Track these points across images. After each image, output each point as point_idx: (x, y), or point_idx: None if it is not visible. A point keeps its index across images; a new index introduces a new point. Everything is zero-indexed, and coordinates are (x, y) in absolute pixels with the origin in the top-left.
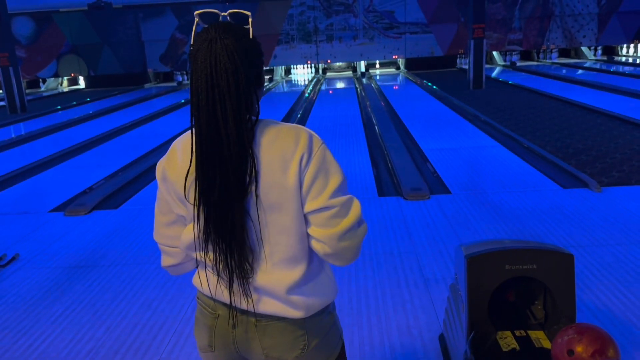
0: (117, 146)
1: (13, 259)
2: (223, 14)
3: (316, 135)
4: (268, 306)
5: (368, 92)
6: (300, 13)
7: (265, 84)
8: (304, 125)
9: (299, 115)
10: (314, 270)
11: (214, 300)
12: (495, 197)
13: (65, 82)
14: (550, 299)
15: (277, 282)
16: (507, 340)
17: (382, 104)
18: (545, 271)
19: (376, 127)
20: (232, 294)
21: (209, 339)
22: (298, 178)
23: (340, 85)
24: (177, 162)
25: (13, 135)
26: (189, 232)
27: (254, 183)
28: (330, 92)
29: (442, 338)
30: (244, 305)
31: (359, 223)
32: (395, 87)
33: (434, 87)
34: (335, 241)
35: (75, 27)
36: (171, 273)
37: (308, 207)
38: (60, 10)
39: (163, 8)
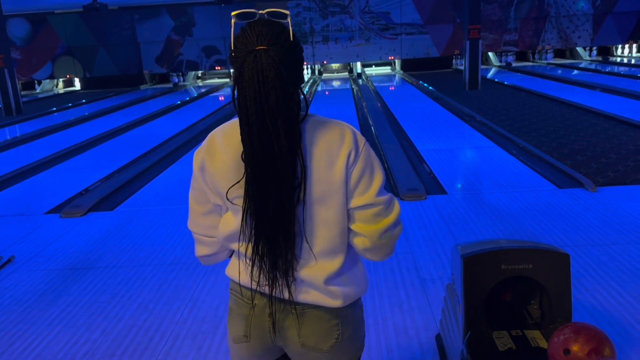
0: (113, 148)
1: (8, 261)
2: (261, 12)
3: (358, 132)
4: (308, 296)
5: (364, 93)
6: (296, 14)
7: None
8: None
9: None
10: (350, 262)
11: (251, 290)
12: (492, 197)
13: (60, 84)
14: (546, 299)
15: (316, 273)
16: (504, 340)
17: (378, 104)
18: (541, 271)
19: (372, 127)
20: (273, 285)
21: (244, 329)
22: (344, 174)
23: (336, 86)
24: (219, 154)
25: (8, 137)
26: (228, 224)
27: (304, 190)
28: (327, 93)
29: (438, 338)
30: (284, 295)
31: (397, 222)
32: (391, 88)
33: (430, 87)
34: (377, 237)
35: (70, 29)
36: (204, 263)
37: (354, 203)
38: (56, 11)
39: (159, 9)
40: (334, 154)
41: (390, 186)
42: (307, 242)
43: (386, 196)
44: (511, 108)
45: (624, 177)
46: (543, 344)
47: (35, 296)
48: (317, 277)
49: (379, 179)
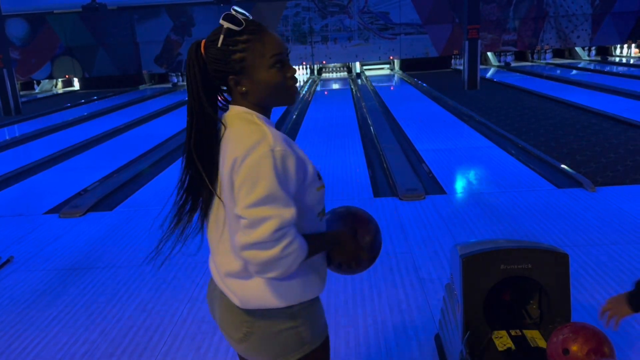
0: (112, 148)
1: (7, 261)
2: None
3: (269, 142)
4: (219, 283)
5: (363, 93)
6: (295, 14)
7: None
8: (299, 125)
9: (294, 117)
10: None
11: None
12: (491, 197)
13: (59, 84)
14: (545, 299)
15: (220, 265)
16: (503, 340)
17: (378, 104)
18: (541, 271)
19: (371, 127)
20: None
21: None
22: (229, 178)
23: (335, 86)
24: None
25: (7, 138)
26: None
27: (209, 177)
28: (326, 93)
29: (437, 338)
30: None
31: (270, 244)
32: (392, 88)
33: (429, 87)
34: (239, 249)
35: (69, 29)
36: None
37: (235, 210)
38: (55, 11)
39: (158, 9)
40: (229, 157)
41: (389, 186)
42: (224, 234)
43: (259, 212)
44: (510, 108)
45: (623, 177)
46: (542, 343)
47: (34, 296)
48: (220, 268)
49: (257, 193)
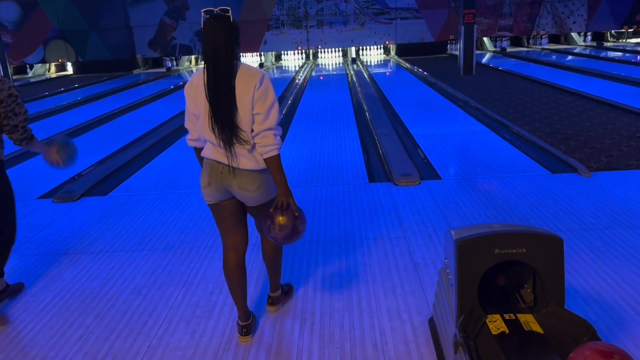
0: (106, 133)
1: None
2: (216, 10)
3: (266, 74)
4: (242, 163)
5: (359, 78)
6: None
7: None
8: (295, 110)
9: (289, 102)
10: (254, 147)
11: (212, 160)
12: (485, 182)
13: (52, 68)
14: (539, 283)
15: (244, 148)
16: (497, 324)
17: (373, 90)
18: (535, 255)
19: (367, 113)
20: (228, 156)
21: (207, 179)
22: (252, 94)
23: (331, 71)
24: (194, 85)
25: None
26: (202, 123)
27: (234, 98)
28: (322, 78)
29: (432, 322)
30: (229, 162)
31: (277, 130)
32: (387, 74)
33: (425, 72)
34: (262, 131)
35: (62, 12)
36: (189, 145)
37: (255, 110)
38: None
39: None
40: (250, 84)
41: (384, 171)
42: (242, 131)
43: (273, 109)
44: (505, 93)
45: (617, 162)
46: (536, 327)
47: (28, 281)
48: (244, 150)
49: (269, 100)
